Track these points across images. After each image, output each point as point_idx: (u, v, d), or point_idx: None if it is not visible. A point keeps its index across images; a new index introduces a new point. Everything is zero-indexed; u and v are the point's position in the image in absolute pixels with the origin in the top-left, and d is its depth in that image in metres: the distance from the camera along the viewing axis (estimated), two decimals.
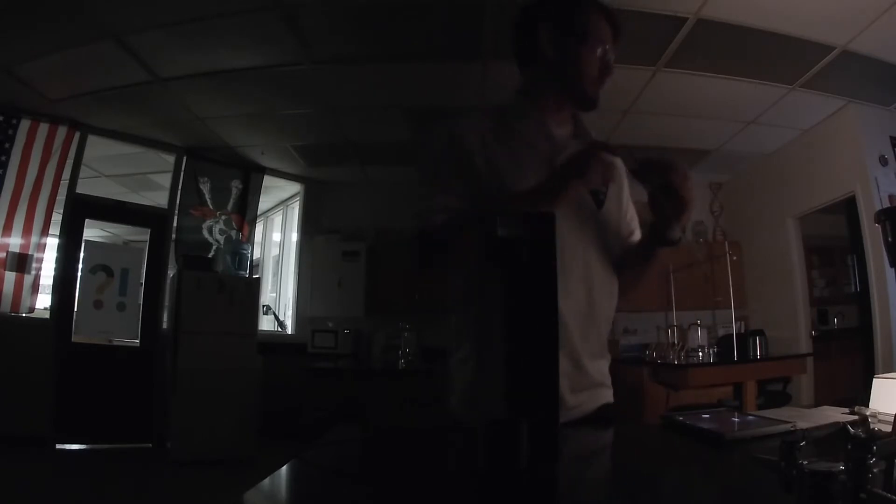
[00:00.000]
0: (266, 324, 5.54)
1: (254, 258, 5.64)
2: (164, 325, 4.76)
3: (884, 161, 3.95)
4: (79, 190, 4.61)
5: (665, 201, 1.03)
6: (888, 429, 0.89)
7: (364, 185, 5.81)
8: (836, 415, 1.10)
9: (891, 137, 4.02)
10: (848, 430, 0.53)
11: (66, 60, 3.48)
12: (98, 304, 4.58)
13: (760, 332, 4.68)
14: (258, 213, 5.68)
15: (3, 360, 4.05)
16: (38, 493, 3.14)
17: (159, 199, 5.31)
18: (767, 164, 5.07)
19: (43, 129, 4.32)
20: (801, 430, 0.91)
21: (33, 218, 4.28)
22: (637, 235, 1.25)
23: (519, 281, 0.70)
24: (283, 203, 6.33)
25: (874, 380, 1.14)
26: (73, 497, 3.12)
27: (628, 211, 1.25)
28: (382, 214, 5.51)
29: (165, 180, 5.16)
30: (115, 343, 4.74)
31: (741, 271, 5.33)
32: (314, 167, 5.55)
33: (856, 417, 1.04)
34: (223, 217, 5.32)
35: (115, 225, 5.71)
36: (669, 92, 3.85)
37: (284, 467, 0.76)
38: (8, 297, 4.16)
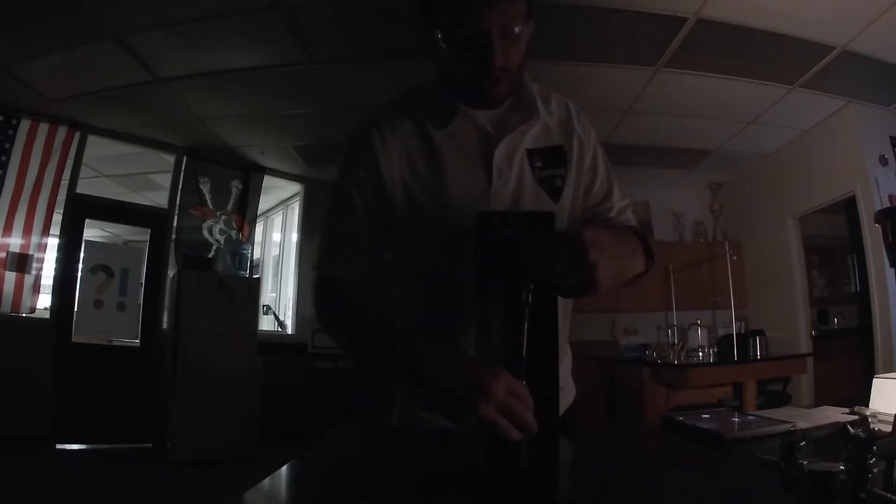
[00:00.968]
0: (266, 324, 5.53)
1: (254, 258, 5.64)
2: (164, 325, 4.76)
3: (884, 161, 3.95)
4: (79, 190, 4.61)
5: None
6: (888, 429, 0.89)
7: None
8: (836, 415, 1.10)
9: (891, 137, 4.02)
10: (848, 430, 0.53)
11: (66, 60, 3.48)
12: (98, 304, 4.58)
13: (760, 332, 4.67)
14: (258, 213, 5.67)
15: (4, 360, 4.05)
16: (38, 493, 3.14)
17: (159, 199, 5.31)
18: (767, 164, 5.07)
19: (43, 129, 4.31)
20: (801, 430, 0.91)
21: (33, 218, 4.28)
22: (617, 209, 1.02)
23: (517, 281, 0.70)
24: (283, 203, 6.32)
25: (874, 380, 1.14)
26: (73, 497, 3.12)
27: (594, 179, 1.00)
28: None
29: (165, 180, 5.16)
30: (115, 343, 4.73)
31: (741, 271, 5.33)
32: (314, 167, 5.55)
33: (856, 417, 1.04)
34: (223, 217, 5.32)
35: (115, 225, 5.71)
36: (669, 92, 3.85)
37: (284, 467, 0.76)
38: (8, 298, 4.16)
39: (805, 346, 4.68)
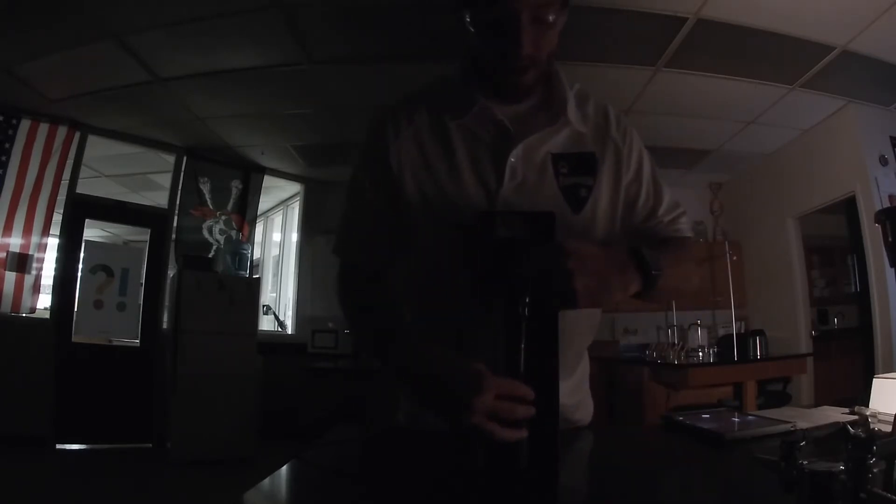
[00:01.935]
0: (266, 324, 5.53)
1: (254, 258, 5.64)
2: (164, 325, 4.76)
3: (884, 161, 3.95)
4: (79, 190, 4.61)
5: None
6: (888, 429, 0.89)
7: None
8: (836, 415, 1.10)
9: (891, 137, 4.02)
10: (848, 430, 0.53)
11: (66, 60, 3.48)
12: (98, 304, 4.57)
13: (760, 332, 4.67)
14: (258, 213, 5.67)
15: (4, 360, 4.05)
16: (38, 493, 3.14)
17: (159, 199, 5.31)
18: (767, 164, 5.07)
19: (43, 129, 4.31)
20: (801, 430, 0.91)
21: (33, 218, 4.28)
22: (666, 222, 0.96)
23: (511, 286, 0.70)
24: (283, 203, 6.32)
25: (874, 380, 1.14)
26: (73, 497, 3.12)
27: (639, 193, 0.94)
28: None
29: (165, 180, 5.16)
30: (115, 343, 4.73)
31: (741, 271, 5.33)
32: (314, 167, 5.55)
33: (856, 417, 1.04)
34: (223, 217, 5.32)
35: (115, 225, 5.70)
36: (669, 92, 3.85)
37: (284, 467, 0.76)
38: (8, 298, 4.16)
39: (805, 346, 4.68)
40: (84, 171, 4.71)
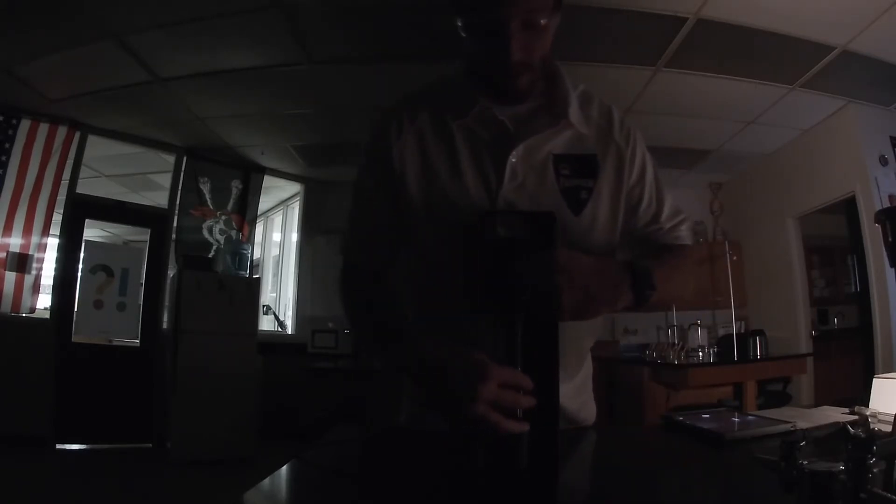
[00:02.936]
0: (266, 324, 5.54)
1: (254, 258, 5.64)
2: (164, 325, 4.76)
3: (884, 161, 3.94)
4: (79, 190, 4.61)
5: None
6: (888, 429, 0.89)
7: None
8: (836, 415, 1.10)
9: (891, 137, 4.02)
10: (848, 430, 0.53)
11: (66, 60, 3.48)
12: (98, 304, 4.58)
13: (760, 332, 4.67)
14: (258, 213, 5.67)
15: (3, 360, 4.05)
16: (38, 493, 3.14)
17: (159, 199, 5.31)
18: (767, 164, 5.07)
19: (43, 129, 4.31)
20: (801, 430, 0.91)
21: (33, 218, 4.28)
22: (667, 228, 0.98)
23: (514, 285, 0.69)
24: (283, 203, 6.32)
25: (874, 380, 1.14)
26: (73, 497, 3.12)
27: (641, 197, 0.95)
28: None
29: (165, 180, 5.16)
30: (115, 343, 4.73)
31: (741, 271, 5.33)
32: (314, 167, 5.55)
33: (856, 417, 1.04)
34: (223, 217, 5.32)
35: (115, 225, 5.70)
36: (669, 92, 3.85)
37: (284, 467, 0.76)
38: (8, 297, 4.16)
39: (805, 346, 4.68)
40: (84, 171, 4.71)
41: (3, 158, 4.16)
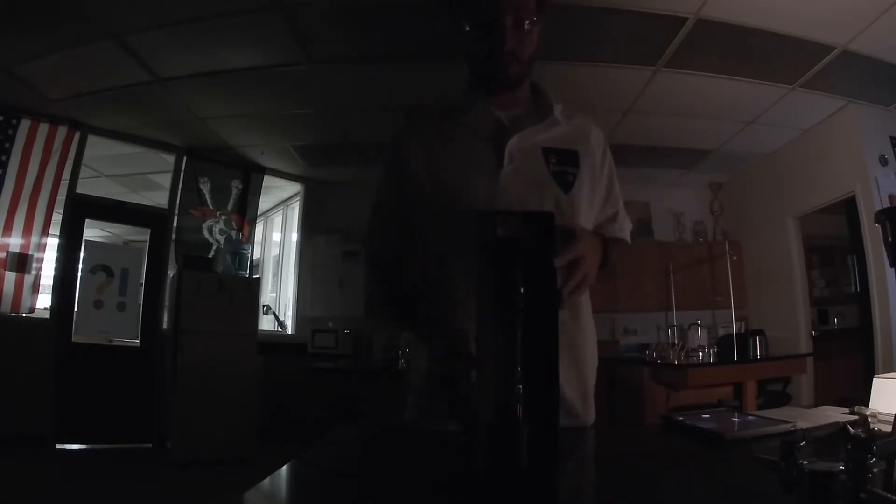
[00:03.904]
0: (266, 324, 5.54)
1: (254, 258, 5.64)
2: (164, 325, 4.76)
3: (884, 161, 3.95)
4: (79, 190, 4.61)
5: None
6: (888, 429, 0.89)
7: (364, 185, 5.79)
8: (836, 415, 1.10)
9: (891, 137, 4.02)
10: (848, 430, 0.53)
11: (66, 60, 3.48)
12: (98, 304, 4.58)
13: (760, 332, 4.68)
14: (258, 213, 5.67)
15: (3, 360, 4.05)
16: (38, 493, 3.14)
17: (159, 199, 5.31)
18: (767, 164, 5.07)
19: (43, 129, 4.31)
20: (801, 430, 0.91)
21: (33, 218, 4.28)
22: (619, 227, 1.17)
23: (513, 279, 0.70)
24: (283, 203, 6.32)
25: (874, 380, 1.14)
26: (73, 497, 3.12)
27: (607, 199, 1.13)
28: None
29: (165, 180, 5.16)
30: (115, 343, 4.74)
31: (741, 271, 5.33)
32: (314, 167, 5.55)
33: (856, 417, 1.04)
34: (223, 217, 5.32)
35: (115, 225, 5.70)
36: (669, 92, 3.85)
37: (284, 467, 0.76)
38: (8, 297, 4.16)
39: (805, 346, 4.68)
40: (84, 171, 4.71)
41: (3, 158, 4.16)
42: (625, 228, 1.19)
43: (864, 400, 1.12)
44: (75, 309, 4.47)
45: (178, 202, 5.04)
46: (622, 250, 1.19)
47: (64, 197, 4.51)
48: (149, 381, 4.62)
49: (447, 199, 1.00)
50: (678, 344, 4.89)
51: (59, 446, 4.21)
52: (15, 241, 4.21)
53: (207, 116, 4.40)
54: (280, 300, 6.04)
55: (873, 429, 0.88)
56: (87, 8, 2.93)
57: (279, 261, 6.30)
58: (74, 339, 4.44)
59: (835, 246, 5.64)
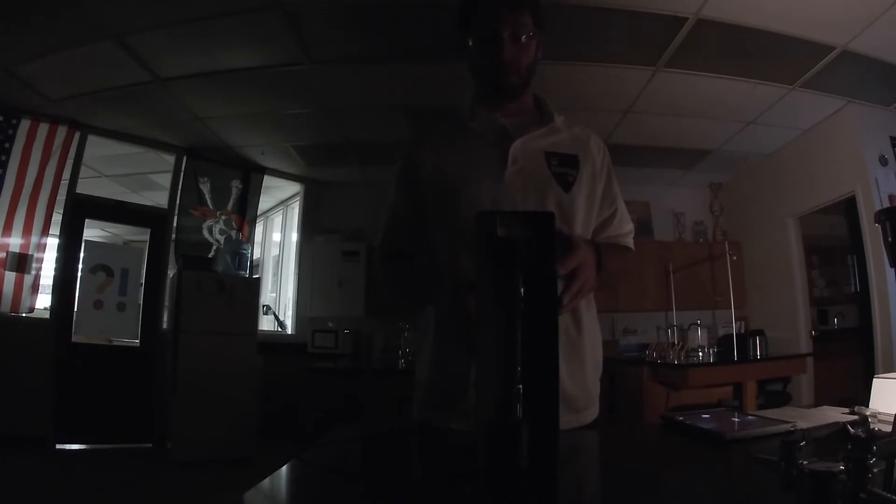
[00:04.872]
0: (266, 324, 5.53)
1: (254, 258, 5.64)
2: (164, 325, 4.76)
3: (884, 161, 3.94)
4: (79, 190, 4.61)
5: None
6: (888, 429, 0.89)
7: (364, 185, 5.81)
8: (836, 415, 1.10)
9: (891, 137, 4.02)
10: (848, 430, 0.53)
11: (66, 60, 3.48)
12: (98, 304, 4.58)
13: (760, 332, 4.67)
14: (258, 213, 5.67)
15: (3, 360, 4.05)
16: (38, 493, 3.14)
17: (159, 199, 5.31)
18: (767, 164, 5.07)
19: (43, 129, 4.31)
20: (801, 430, 0.91)
21: (33, 218, 4.28)
22: (617, 226, 1.20)
23: (513, 276, 0.70)
24: (283, 203, 6.32)
25: (874, 380, 1.14)
26: (72, 497, 3.12)
27: (605, 202, 1.18)
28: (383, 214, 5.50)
29: (165, 180, 5.16)
30: (115, 343, 4.73)
31: (741, 271, 5.33)
32: (314, 167, 5.55)
33: (856, 417, 1.04)
34: (223, 217, 5.32)
35: (115, 225, 5.71)
36: (669, 92, 3.85)
37: (284, 467, 0.76)
38: (8, 297, 4.16)
39: (805, 346, 4.68)
40: (84, 171, 4.71)
41: (3, 158, 4.16)
42: (625, 229, 1.22)
43: (864, 400, 1.12)
44: (75, 309, 4.47)
45: (177, 202, 5.04)
46: (629, 258, 1.24)
47: (64, 197, 4.51)
48: (149, 381, 4.62)
49: (456, 200, 1.06)
50: (678, 344, 4.89)
51: (59, 446, 4.21)
52: (15, 241, 4.21)
53: (207, 116, 4.40)
54: (280, 300, 6.04)
55: (873, 429, 0.88)
56: (87, 8, 2.93)
57: (279, 261, 6.30)
58: (74, 339, 4.44)
59: (835, 246, 5.64)
